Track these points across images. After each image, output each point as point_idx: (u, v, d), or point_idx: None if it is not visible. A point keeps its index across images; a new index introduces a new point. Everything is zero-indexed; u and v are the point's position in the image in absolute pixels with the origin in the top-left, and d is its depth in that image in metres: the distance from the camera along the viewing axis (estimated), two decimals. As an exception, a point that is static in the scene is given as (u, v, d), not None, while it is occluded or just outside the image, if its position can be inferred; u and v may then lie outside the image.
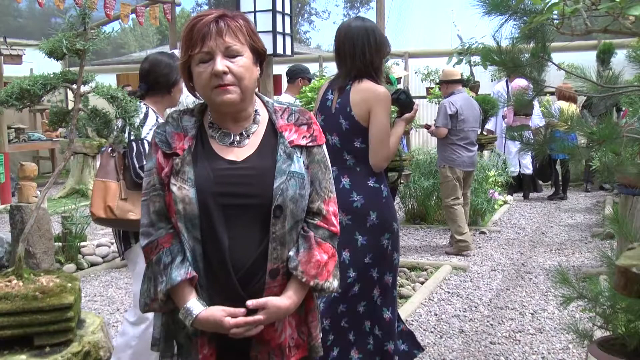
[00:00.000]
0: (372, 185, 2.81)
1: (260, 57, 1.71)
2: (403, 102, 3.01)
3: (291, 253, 1.67)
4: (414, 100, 3.09)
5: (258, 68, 1.71)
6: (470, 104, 6.15)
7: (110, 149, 2.87)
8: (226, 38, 1.61)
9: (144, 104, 2.94)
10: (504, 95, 8.96)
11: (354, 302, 2.84)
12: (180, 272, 1.61)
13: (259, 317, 1.60)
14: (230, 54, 1.62)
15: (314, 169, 1.73)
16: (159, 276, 1.64)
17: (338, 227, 1.76)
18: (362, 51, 2.79)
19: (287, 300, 1.65)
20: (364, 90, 2.79)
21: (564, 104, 7.73)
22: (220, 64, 1.60)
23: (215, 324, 1.60)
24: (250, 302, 1.60)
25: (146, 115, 2.86)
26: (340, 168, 2.83)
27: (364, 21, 2.91)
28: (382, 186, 2.85)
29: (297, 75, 5.97)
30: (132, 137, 2.76)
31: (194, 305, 1.62)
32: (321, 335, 1.81)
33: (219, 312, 1.60)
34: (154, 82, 3.01)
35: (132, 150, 2.77)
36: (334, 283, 1.72)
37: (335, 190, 1.80)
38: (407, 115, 3.01)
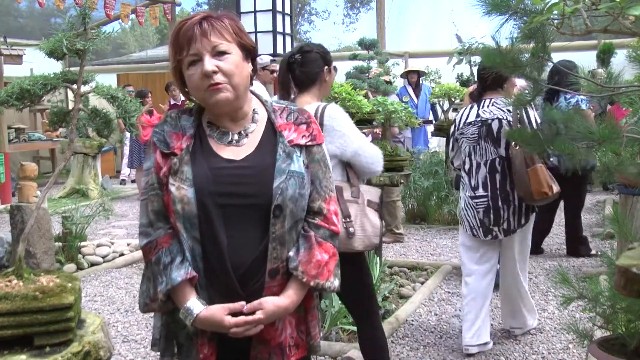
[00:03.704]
0: None
1: (250, 53, 1.71)
2: None
3: (291, 253, 1.66)
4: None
5: (250, 64, 1.71)
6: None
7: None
8: (211, 38, 1.61)
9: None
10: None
11: None
12: (180, 273, 1.61)
13: (258, 316, 1.60)
14: (218, 53, 1.62)
15: (314, 168, 1.72)
16: (159, 276, 1.64)
17: (339, 227, 1.75)
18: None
19: (286, 299, 1.65)
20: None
21: None
22: (209, 63, 1.60)
23: (216, 323, 1.60)
24: (245, 308, 1.60)
25: None
26: None
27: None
28: None
29: None
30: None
31: (194, 304, 1.62)
32: (321, 334, 1.81)
33: (219, 311, 1.60)
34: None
35: None
36: (335, 282, 1.71)
37: None
38: None
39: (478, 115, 3.64)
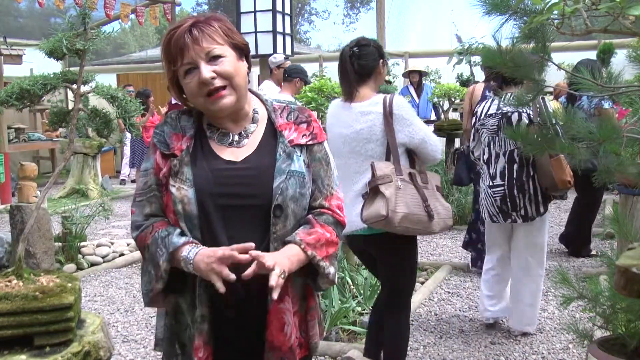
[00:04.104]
0: None
1: (244, 51, 1.70)
2: None
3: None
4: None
5: (245, 62, 1.70)
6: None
7: None
8: (203, 44, 1.59)
9: None
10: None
11: None
12: (181, 239, 1.59)
13: (262, 254, 1.54)
14: (212, 58, 1.60)
15: (315, 167, 1.72)
16: (158, 250, 1.61)
17: (344, 218, 1.74)
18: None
19: (282, 251, 1.61)
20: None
21: (555, 105, 7.71)
22: (205, 70, 1.59)
23: (215, 255, 1.55)
24: (250, 253, 1.54)
25: None
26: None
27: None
28: None
29: (296, 74, 5.94)
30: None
31: (190, 248, 1.58)
32: (324, 333, 1.80)
33: (219, 248, 1.56)
34: None
35: None
36: (330, 268, 1.68)
37: None
38: None
39: (499, 107, 3.83)
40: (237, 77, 1.63)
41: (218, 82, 1.60)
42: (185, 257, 1.58)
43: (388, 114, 2.76)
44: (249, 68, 1.71)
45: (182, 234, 1.61)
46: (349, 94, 2.88)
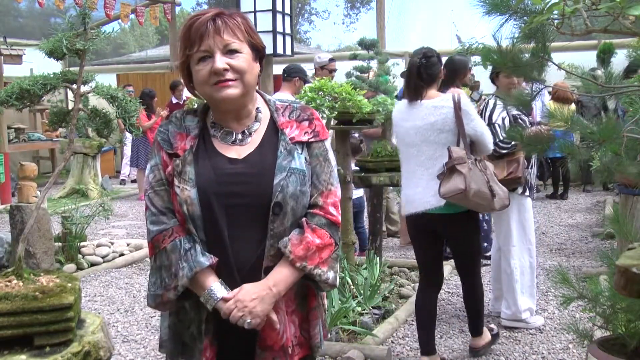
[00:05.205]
0: None
1: (260, 53, 1.71)
2: None
3: (285, 237, 1.65)
4: None
5: (258, 64, 1.71)
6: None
7: None
8: (224, 36, 1.61)
9: None
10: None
11: None
12: (207, 257, 1.60)
13: (240, 312, 1.60)
14: (229, 52, 1.61)
15: (312, 163, 1.71)
16: (179, 262, 1.61)
17: (338, 217, 1.72)
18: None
19: (265, 280, 1.63)
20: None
21: (554, 105, 7.70)
22: (220, 61, 1.60)
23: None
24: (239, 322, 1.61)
25: None
26: None
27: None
28: None
29: (295, 74, 5.94)
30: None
31: (218, 288, 1.61)
32: (322, 333, 1.79)
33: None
34: None
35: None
36: (328, 274, 1.67)
37: None
38: None
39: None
40: (248, 74, 1.64)
41: (229, 75, 1.61)
42: (211, 291, 1.61)
43: (457, 108, 3.26)
44: (261, 71, 1.73)
45: (203, 249, 1.62)
46: (420, 95, 3.38)
